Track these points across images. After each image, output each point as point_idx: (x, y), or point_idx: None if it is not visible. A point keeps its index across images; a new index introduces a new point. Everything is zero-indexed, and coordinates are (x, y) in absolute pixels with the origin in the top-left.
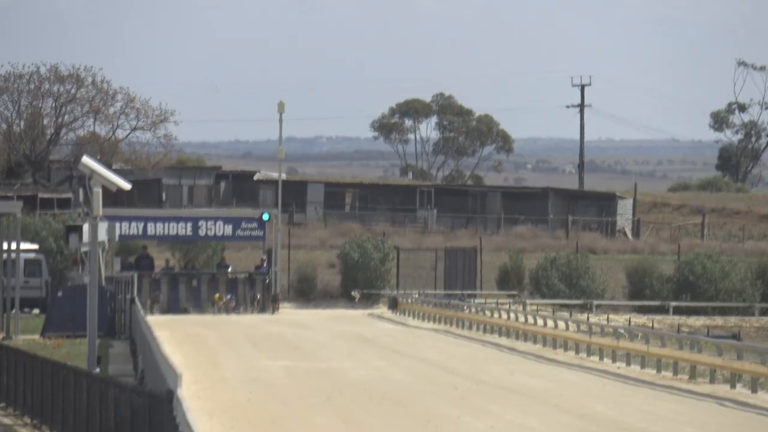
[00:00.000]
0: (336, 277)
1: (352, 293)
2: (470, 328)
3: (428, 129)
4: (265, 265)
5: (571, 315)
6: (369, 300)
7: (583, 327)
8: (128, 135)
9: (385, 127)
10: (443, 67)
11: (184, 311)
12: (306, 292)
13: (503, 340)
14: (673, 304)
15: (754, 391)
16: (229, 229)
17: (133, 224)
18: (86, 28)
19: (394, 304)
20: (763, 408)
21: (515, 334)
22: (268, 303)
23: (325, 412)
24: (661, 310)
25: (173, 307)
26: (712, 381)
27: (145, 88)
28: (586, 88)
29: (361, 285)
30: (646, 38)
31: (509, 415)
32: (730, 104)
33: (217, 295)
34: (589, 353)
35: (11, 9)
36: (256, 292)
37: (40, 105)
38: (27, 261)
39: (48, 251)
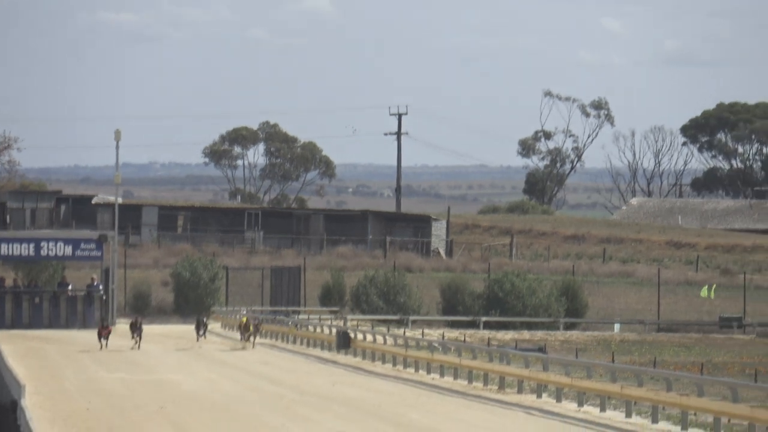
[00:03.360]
0: (169, 294)
1: None
2: (295, 342)
3: (255, 155)
4: (95, 283)
5: (388, 329)
6: (199, 315)
7: (400, 341)
8: None
9: (216, 153)
10: (270, 97)
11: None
12: (141, 309)
13: (325, 354)
14: (484, 319)
15: (558, 400)
16: (69, 250)
17: None
18: None
19: (346, 342)
20: (566, 416)
21: (337, 348)
22: (106, 317)
23: (158, 420)
24: (473, 324)
25: (17, 322)
26: (519, 391)
27: None
28: (403, 117)
29: (193, 302)
30: (459, 70)
31: (331, 424)
32: (536, 132)
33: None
34: (406, 365)
35: None
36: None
37: None
38: None
39: None
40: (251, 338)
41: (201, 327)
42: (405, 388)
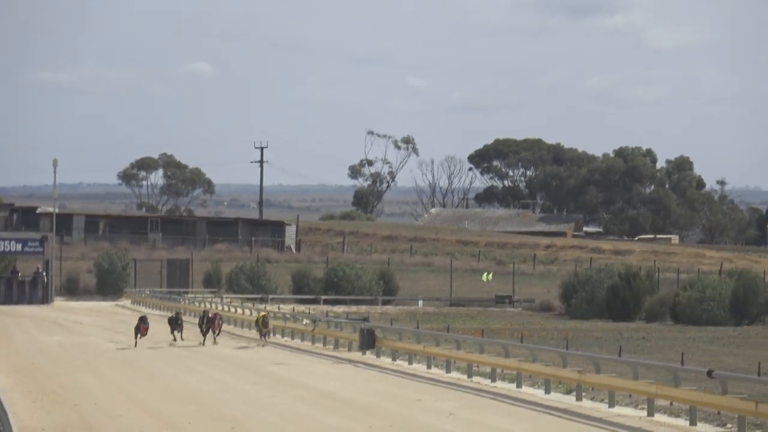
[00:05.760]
0: (93, 279)
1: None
2: (185, 314)
3: (156, 177)
4: (39, 271)
5: (253, 305)
6: (115, 294)
7: (262, 313)
8: None
9: (127, 176)
10: (167, 134)
11: None
12: (72, 290)
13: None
14: (323, 297)
15: (378, 356)
16: (19, 247)
17: None
18: None
19: (371, 342)
20: (383, 367)
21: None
22: (47, 296)
23: (85, 371)
24: (315, 301)
25: None
26: (349, 349)
27: None
28: (264, 150)
29: (110, 285)
30: (307, 114)
31: (211, 373)
32: (362, 160)
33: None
34: None
35: None
36: None
37: None
38: None
39: None
40: (266, 336)
41: (203, 324)
42: (267, 348)
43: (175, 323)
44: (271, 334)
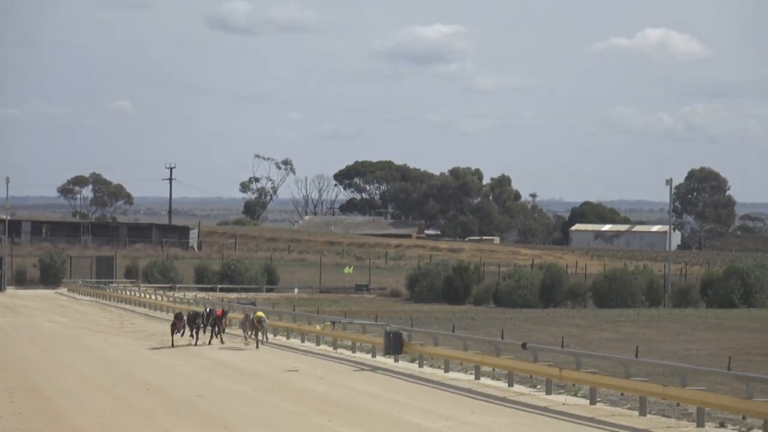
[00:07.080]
0: (37, 272)
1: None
2: (110, 299)
3: (87, 191)
4: None
5: (164, 292)
6: (55, 284)
7: (171, 298)
8: None
9: (65, 190)
10: (95, 157)
11: None
12: (21, 280)
13: (127, 306)
14: (219, 286)
15: (276, 335)
16: None
17: None
18: None
19: (398, 347)
20: (279, 345)
21: (135, 303)
22: (0, 285)
23: (31, 345)
24: (213, 289)
25: None
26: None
27: None
28: (173, 169)
29: (51, 277)
30: (206, 142)
31: (135, 347)
32: (250, 178)
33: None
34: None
35: None
36: None
37: None
38: None
39: None
40: (257, 336)
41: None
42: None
43: (193, 322)
44: (258, 335)
